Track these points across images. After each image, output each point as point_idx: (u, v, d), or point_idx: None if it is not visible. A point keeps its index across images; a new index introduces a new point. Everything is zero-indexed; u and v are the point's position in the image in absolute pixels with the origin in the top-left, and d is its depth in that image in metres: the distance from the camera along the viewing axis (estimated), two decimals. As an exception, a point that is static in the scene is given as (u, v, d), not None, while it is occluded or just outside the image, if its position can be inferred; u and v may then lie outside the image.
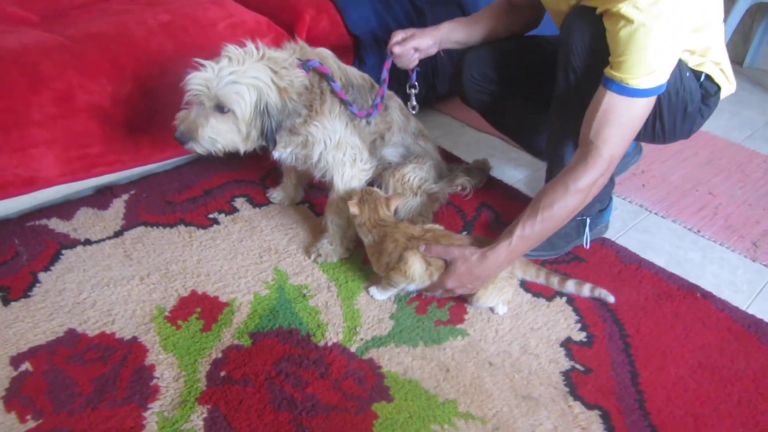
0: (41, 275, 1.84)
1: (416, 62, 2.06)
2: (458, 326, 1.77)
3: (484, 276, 1.71)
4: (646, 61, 1.55)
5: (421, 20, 2.60)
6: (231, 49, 1.65)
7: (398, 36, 2.01)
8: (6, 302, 1.75)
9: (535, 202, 1.69)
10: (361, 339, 1.71)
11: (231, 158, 2.37)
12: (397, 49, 1.98)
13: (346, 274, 1.92)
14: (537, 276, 1.88)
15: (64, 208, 2.10)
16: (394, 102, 2.02)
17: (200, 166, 2.35)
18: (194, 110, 1.68)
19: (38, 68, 1.82)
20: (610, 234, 2.19)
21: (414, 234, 1.76)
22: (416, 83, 2.11)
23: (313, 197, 2.26)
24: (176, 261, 1.93)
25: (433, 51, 2.07)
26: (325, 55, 1.84)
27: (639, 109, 1.60)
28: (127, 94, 1.97)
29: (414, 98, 2.12)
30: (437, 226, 1.82)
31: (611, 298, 1.84)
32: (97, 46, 1.95)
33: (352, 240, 2.00)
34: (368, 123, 1.93)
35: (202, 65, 1.64)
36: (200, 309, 1.76)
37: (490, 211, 2.25)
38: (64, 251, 1.94)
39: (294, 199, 2.22)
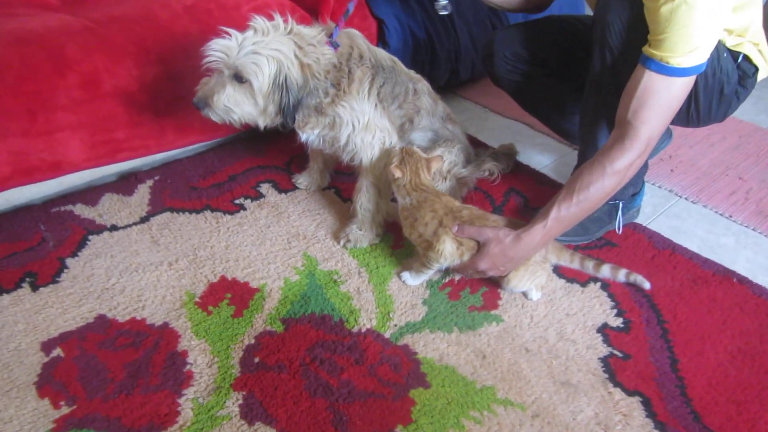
0: (69, 261, 1.82)
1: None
2: (492, 312, 1.74)
3: (518, 258, 1.68)
4: (688, 39, 1.51)
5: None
6: (258, 21, 1.62)
7: None
8: (35, 288, 1.73)
9: (570, 184, 1.66)
10: (395, 325, 1.68)
11: (255, 144, 2.38)
12: None
13: (377, 260, 1.89)
14: (571, 261, 1.84)
15: (89, 194, 2.08)
16: (423, 85, 1.98)
17: (224, 152, 2.33)
18: (215, 78, 1.65)
19: (64, 51, 1.80)
20: (640, 219, 2.15)
21: (453, 207, 1.73)
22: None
23: (340, 182, 2.23)
24: (204, 247, 1.90)
25: None
26: (353, 34, 1.81)
27: (678, 89, 1.56)
28: (152, 77, 1.94)
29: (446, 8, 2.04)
30: (473, 207, 1.78)
31: (647, 285, 1.80)
32: (122, 30, 1.92)
33: (381, 225, 1.97)
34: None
35: (228, 33, 1.61)
36: (231, 295, 1.74)
37: (518, 197, 2.22)
38: (90, 237, 1.91)
39: (320, 185, 2.19)
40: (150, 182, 2.16)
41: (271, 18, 1.64)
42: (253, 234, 1.97)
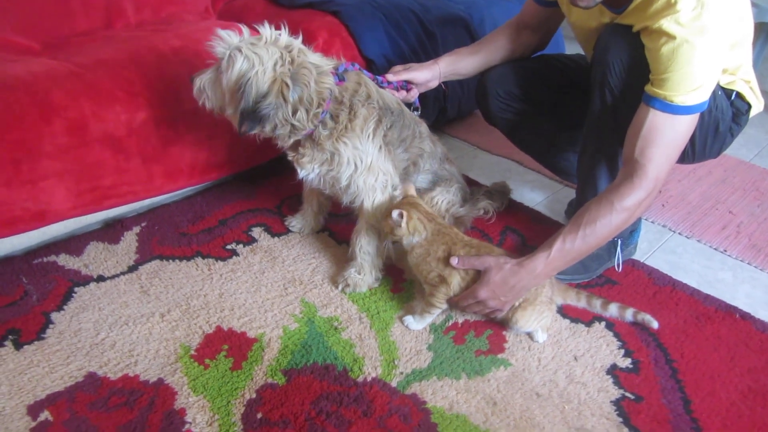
0: (54, 315, 1.73)
1: (415, 95, 2.00)
2: (499, 356, 1.69)
3: (519, 287, 1.64)
4: (691, 78, 1.51)
5: (432, 42, 2.57)
6: (265, 28, 1.64)
7: (396, 68, 1.97)
8: (18, 346, 1.63)
9: (577, 218, 1.64)
10: (401, 373, 1.62)
11: (244, 186, 2.33)
12: (390, 77, 1.93)
13: (377, 304, 1.84)
14: (578, 300, 1.82)
15: (73, 244, 1.99)
16: (424, 128, 1.96)
17: (212, 196, 2.26)
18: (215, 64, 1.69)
19: (49, 97, 1.73)
20: (638, 255, 2.14)
21: (463, 238, 1.72)
22: (419, 107, 2.05)
23: (334, 225, 2.18)
24: (197, 295, 1.83)
25: (433, 85, 2.04)
26: (363, 75, 1.81)
27: (683, 127, 1.56)
28: (141, 122, 1.89)
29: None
30: (478, 240, 1.76)
31: (655, 324, 1.77)
32: (110, 73, 1.86)
33: (380, 268, 1.92)
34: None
35: (239, 29, 1.64)
36: (228, 346, 1.66)
37: (515, 235, 2.19)
38: (76, 289, 1.82)
39: (314, 228, 2.14)
40: (137, 229, 2.08)
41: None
42: (247, 281, 1.90)
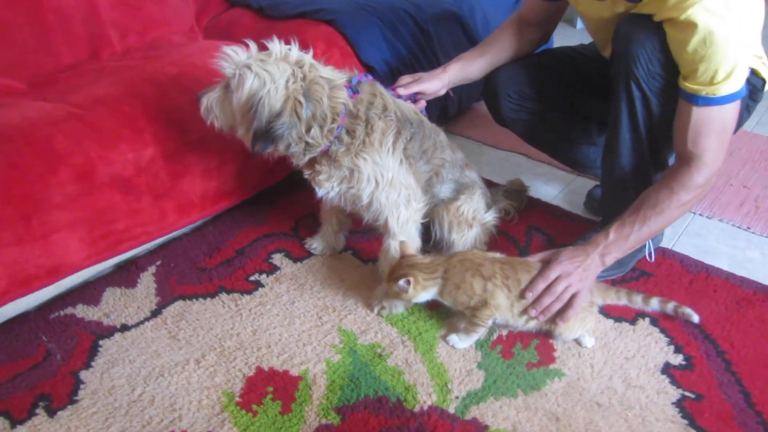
0: (83, 374, 1.63)
1: (423, 105, 1.94)
2: (551, 366, 1.65)
3: (588, 265, 1.63)
4: (727, 64, 1.48)
5: (428, 41, 2.49)
6: (275, 44, 1.59)
7: (404, 80, 1.90)
8: (51, 413, 1.53)
9: (636, 205, 1.65)
10: (457, 397, 1.57)
11: (255, 210, 2.24)
12: (401, 91, 1.87)
13: (417, 325, 1.78)
14: (618, 298, 1.79)
15: (88, 292, 1.89)
16: (443, 136, 1.89)
17: (223, 224, 2.17)
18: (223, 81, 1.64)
19: (52, 144, 1.62)
20: (665, 242, 2.11)
21: (486, 256, 1.70)
22: (426, 116, 1.99)
23: (356, 243, 2.11)
24: (229, 336, 1.74)
25: (441, 93, 1.99)
26: (378, 86, 1.73)
27: (730, 113, 1.55)
28: (148, 159, 1.79)
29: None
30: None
31: (695, 318, 1.75)
32: (110, 111, 1.76)
33: (414, 287, 1.85)
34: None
35: (247, 45, 1.60)
36: (272, 388, 1.58)
37: (540, 234, 2.15)
38: (101, 342, 1.73)
39: (336, 248, 2.06)
40: (152, 269, 1.98)
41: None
42: (278, 313, 1.82)
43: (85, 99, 1.78)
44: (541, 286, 1.61)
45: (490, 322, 1.66)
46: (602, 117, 2.09)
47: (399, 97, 1.84)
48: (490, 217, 2.01)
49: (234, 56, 1.57)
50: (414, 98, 1.92)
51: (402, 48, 2.39)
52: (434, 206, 1.92)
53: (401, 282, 1.61)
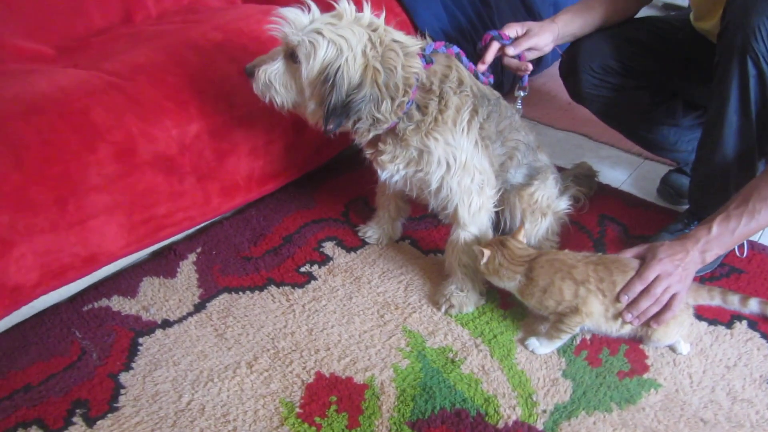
0: (123, 377, 1.46)
1: (531, 66, 1.73)
2: (645, 376, 1.47)
3: (687, 262, 1.43)
4: None
5: (487, 11, 2.30)
6: (343, 4, 1.38)
7: (512, 31, 1.68)
8: (90, 422, 1.37)
9: (744, 195, 1.44)
10: (544, 411, 1.39)
11: (300, 192, 2.05)
12: (511, 51, 1.66)
13: (491, 326, 1.60)
14: (711, 298, 1.60)
15: (124, 282, 1.71)
16: (518, 116, 1.69)
17: (267, 208, 1.98)
18: (276, 49, 1.44)
19: (90, 118, 1.44)
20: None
21: (578, 257, 1.51)
22: (527, 85, 1.78)
23: (413, 231, 1.92)
24: (283, 335, 1.57)
25: (548, 49, 1.76)
26: (454, 57, 1.53)
27: None
28: (193, 135, 1.60)
29: (521, 101, 1.80)
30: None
31: (805, 322, 1.56)
32: (153, 82, 1.57)
33: (484, 282, 1.67)
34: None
35: (305, 4, 1.38)
36: (336, 398, 1.41)
37: (615, 224, 1.95)
38: (141, 340, 1.56)
39: (392, 237, 1.88)
40: (192, 257, 1.80)
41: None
42: (335, 310, 1.64)
43: (124, 66, 1.58)
44: (638, 287, 1.43)
45: (577, 330, 1.48)
46: (691, 96, 1.91)
47: (497, 36, 1.66)
48: (564, 204, 1.82)
49: (297, 20, 1.37)
50: (520, 56, 1.69)
51: (462, 17, 2.18)
52: (504, 192, 1.73)
53: (476, 247, 1.53)
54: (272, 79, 1.42)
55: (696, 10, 1.75)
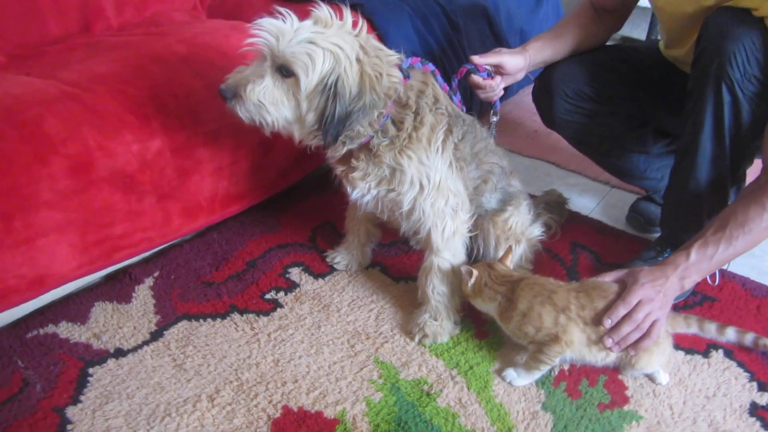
0: (70, 411, 1.34)
1: (502, 91, 1.71)
2: (626, 408, 1.43)
3: (667, 289, 1.42)
4: None
5: (457, 35, 2.28)
6: (322, 10, 1.31)
7: (484, 60, 1.66)
8: (32, 463, 1.23)
9: (721, 221, 1.43)
10: (525, 445, 1.32)
11: (265, 216, 1.97)
12: (477, 59, 1.63)
13: (466, 356, 1.53)
14: (687, 326, 1.59)
15: (74, 307, 1.59)
16: (492, 140, 1.66)
17: (230, 231, 1.89)
18: (253, 65, 1.32)
19: (43, 128, 1.33)
20: (721, 264, 1.92)
21: (561, 284, 1.48)
22: (498, 111, 1.76)
23: (383, 257, 1.85)
24: (247, 366, 1.47)
25: (520, 76, 1.74)
26: (430, 74, 1.48)
27: None
28: (155, 152, 1.50)
29: (494, 127, 1.77)
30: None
31: (785, 352, 1.55)
32: (112, 93, 1.47)
33: (459, 310, 1.62)
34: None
35: (282, 14, 1.29)
36: (305, 433, 1.32)
37: (587, 252, 1.93)
38: (91, 370, 1.43)
39: (362, 263, 1.81)
40: (149, 281, 1.69)
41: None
42: (303, 340, 1.55)
43: (81, 76, 1.49)
44: (622, 311, 1.39)
45: (557, 360, 1.43)
46: (661, 123, 1.91)
47: (474, 70, 1.62)
48: (537, 231, 1.78)
49: (282, 30, 1.27)
50: (489, 74, 1.66)
51: (432, 41, 2.16)
52: (478, 218, 1.68)
53: (465, 268, 1.49)
54: (264, 99, 1.30)
55: (667, 38, 1.77)
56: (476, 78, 1.64)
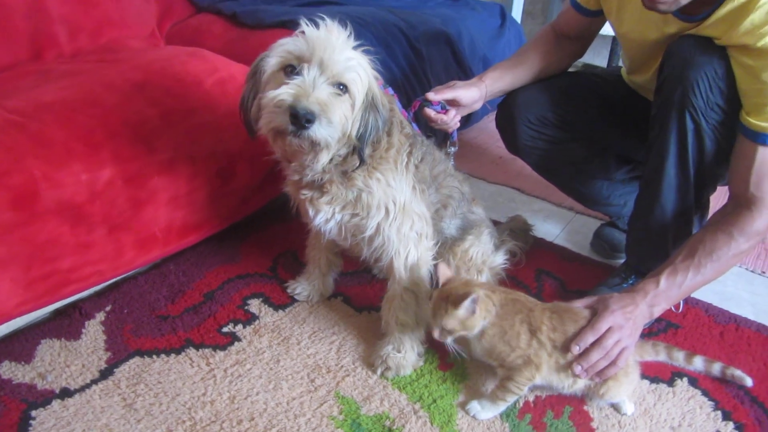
0: (10, 459, 1.26)
1: (458, 123, 1.71)
2: (592, 441, 1.40)
3: (636, 315, 1.42)
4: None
5: (419, 61, 2.28)
6: (319, 32, 1.24)
7: (436, 88, 1.66)
8: None
9: (689, 249, 1.45)
10: (489, 482, 1.28)
11: (223, 246, 1.91)
12: (432, 95, 1.62)
13: (430, 389, 1.49)
14: (656, 354, 1.59)
15: (17, 345, 1.51)
16: (451, 165, 1.64)
17: (187, 262, 1.83)
18: (304, 79, 1.18)
19: (-17, 159, 1.27)
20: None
21: (536, 301, 1.45)
22: (457, 140, 1.75)
23: (345, 287, 1.81)
24: (201, 404, 1.41)
25: (477, 106, 1.74)
26: (393, 98, 1.46)
27: None
28: (106, 182, 1.45)
29: (452, 158, 1.76)
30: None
31: (749, 381, 1.55)
32: (60, 121, 1.42)
33: (422, 341, 1.58)
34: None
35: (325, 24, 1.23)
36: (261, 475, 1.26)
37: (551, 279, 1.91)
38: (34, 413, 1.36)
39: (324, 293, 1.76)
40: (100, 316, 1.62)
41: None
42: (261, 375, 1.50)
43: (28, 104, 1.43)
44: (590, 338, 1.37)
45: (526, 390, 1.40)
46: (623, 149, 1.92)
47: (428, 103, 1.61)
48: (500, 259, 1.76)
49: (331, 41, 1.19)
50: (444, 107, 1.65)
51: (395, 68, 2.15)
52: (439, 247, 1.64)
53: (467, 302, 1.31)
54: (340, 119, 1.23)
55: (629, 64, 1.78)
56: (429, 111, 1.63)
